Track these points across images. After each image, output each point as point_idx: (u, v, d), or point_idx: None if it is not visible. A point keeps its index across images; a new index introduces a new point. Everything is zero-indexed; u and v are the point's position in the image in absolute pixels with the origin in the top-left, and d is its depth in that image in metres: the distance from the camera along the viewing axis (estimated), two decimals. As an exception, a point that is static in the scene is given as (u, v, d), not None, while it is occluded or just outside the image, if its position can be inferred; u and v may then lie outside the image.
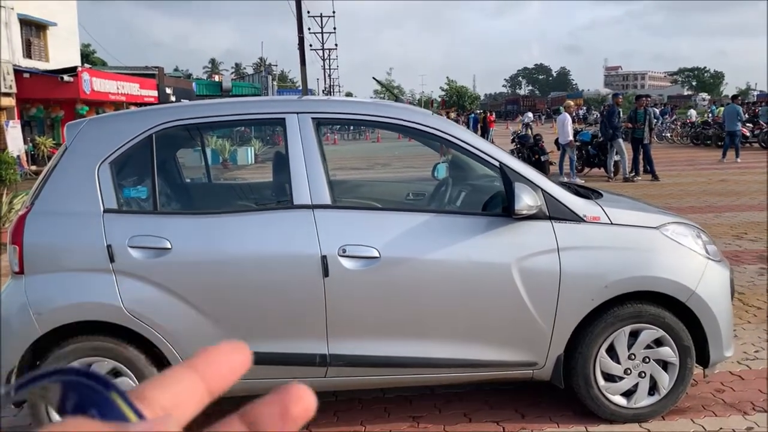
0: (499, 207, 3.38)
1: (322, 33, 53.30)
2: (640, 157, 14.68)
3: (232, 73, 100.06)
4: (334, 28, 56.05)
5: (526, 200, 3.20)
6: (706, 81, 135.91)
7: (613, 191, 4.50)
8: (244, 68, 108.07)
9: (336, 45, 59.69)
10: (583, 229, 3.39)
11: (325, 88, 65.02)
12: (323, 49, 55.87)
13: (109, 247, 3.18)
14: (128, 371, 3.23)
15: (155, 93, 31.20)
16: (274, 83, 48.72)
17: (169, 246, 3.20)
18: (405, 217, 3.43)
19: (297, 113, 3.43)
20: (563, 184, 3.83)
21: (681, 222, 3.67)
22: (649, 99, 16.19)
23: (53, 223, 3.25)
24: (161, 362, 3.25)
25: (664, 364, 3.48)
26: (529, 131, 25.05)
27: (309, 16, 50.24)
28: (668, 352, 3.45)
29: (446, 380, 3.49)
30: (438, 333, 3.33)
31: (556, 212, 3.37)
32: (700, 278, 3.44)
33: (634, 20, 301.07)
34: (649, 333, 3.43)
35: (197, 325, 3.21)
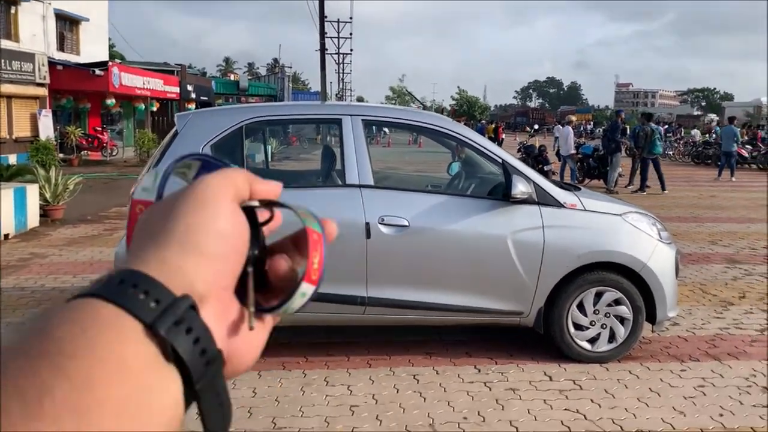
0: (500, 193, 4.47)
1: (338, 38, 54.54)
2: (639, 169, 15.76)
3: (245, 72, 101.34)
4: (350, 34, 57.37)
5: (520, 188, 4.29)
6: (714, 102, 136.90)
7: (591, 191, 5.58)
8: (257, 68, 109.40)
9: (351, 50, 60.94)
10: (563, 212, 4.47)
11: (338, 92, 66.20)
12: (339, 54, 57.15)
13: None
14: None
15: (177, 90, 32.21)
16: (290, 85, 49.94)
17: (254, 209, 4.29)
18: (429, 197, 4.53)
19: (351, 115, 4.53)
20: (551, 180, 4.92)
21: (640, 212, 4.74)
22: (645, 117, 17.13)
23: None
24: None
25: (621, 319, 4.55)
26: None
27: (326, 21, 51.44)
28: (624, 310, 4.52)
29: (453, 322, 4.57)
30: (449, 285, 4.41)
31: (543, 199, 4.46)
32: (650, 254, 4.51)
33: (644, 40, 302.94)
34: (610, 294, 4.51)
35: None
